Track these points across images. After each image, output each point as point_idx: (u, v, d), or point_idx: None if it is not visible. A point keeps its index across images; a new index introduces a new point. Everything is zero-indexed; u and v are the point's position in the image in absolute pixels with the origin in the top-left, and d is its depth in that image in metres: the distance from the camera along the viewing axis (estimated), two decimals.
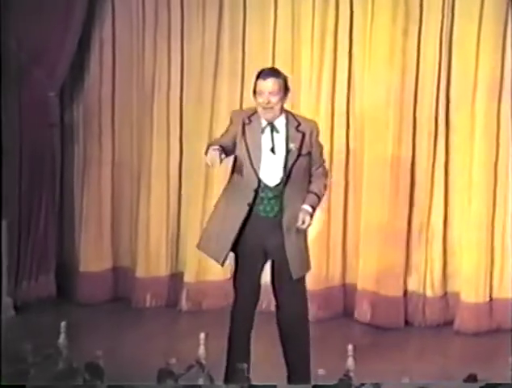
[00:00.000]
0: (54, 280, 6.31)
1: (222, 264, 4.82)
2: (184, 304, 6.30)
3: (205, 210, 6.33)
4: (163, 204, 6.38)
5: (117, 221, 6.49)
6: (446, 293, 6.06)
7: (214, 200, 6.31)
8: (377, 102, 6.01)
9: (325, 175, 4.81)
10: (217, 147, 4.59)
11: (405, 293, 6.04)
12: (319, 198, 4.72)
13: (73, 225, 6.52)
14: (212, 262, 6.30)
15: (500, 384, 4.20)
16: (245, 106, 6.27)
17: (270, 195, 4.65)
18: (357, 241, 6.10)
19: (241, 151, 4.71)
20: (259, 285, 4.81)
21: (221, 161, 4.57)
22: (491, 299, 5.98)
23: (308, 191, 4.71)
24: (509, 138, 5.93)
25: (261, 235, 4.68)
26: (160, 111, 6.34)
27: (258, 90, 4.63)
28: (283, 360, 4.99)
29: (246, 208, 4.64)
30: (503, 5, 5.83)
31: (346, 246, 6.16)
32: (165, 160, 6.37)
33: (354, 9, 6.04)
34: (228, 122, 4.89)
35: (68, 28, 6.11)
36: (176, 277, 6.39)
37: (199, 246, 4.90)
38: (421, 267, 6.05)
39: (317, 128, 4.76)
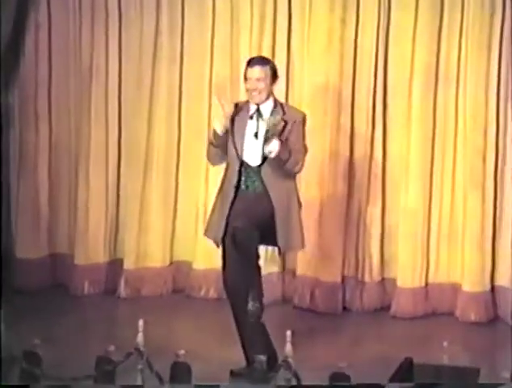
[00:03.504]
0: None
1: (218, 246, 4.94)
2: (123, 291, 6.27)
3: (144, 195, 6.31)
4: (102, 190, 6.34)
5: (55, 206, 6.43)
6: (383, 279, 6.14)
7: (153, 186, 6.33)
8: (315, 90, 6.04)
9: (300, 161, 4.89)
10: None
11: (343, 278, 6.10)
12: (289, 157, 4.81)
13: (9, 211, 6.43)
14: (151, 248, 6.35)
15: (436, 384, 4.29)
16: (183, 89, 6.27)
17: (254, 174, 4.88)
18: None
19: (228, 138, 4.93)
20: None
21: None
22: (427, 284, 6.08)
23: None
24: (445, 127, 6.02)
25: (249, 207, 4.86)
26: (98, 95, 6.29)
27: (246, 76, 4.93)
28: (226, 351, 5.01)
29: (233, 190, 4.89)
30: None
31: None
32: (104, 145, 6.32)
33: None
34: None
35: (0, 11, 6.00)
36: (115, 264, 6.35)
37: (204, 234, 5.05)
38: (359, 253, 6.12)
39: (302, 118, 4.94)
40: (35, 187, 6.38)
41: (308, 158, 6.03)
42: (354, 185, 6.09)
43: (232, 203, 4.90)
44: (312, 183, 6.09)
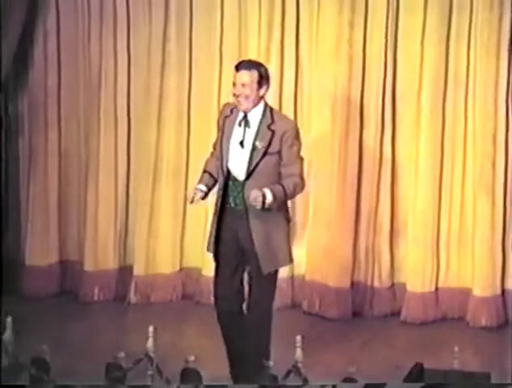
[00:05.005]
0: None
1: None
2: (132, 297, 6.27)
3: (154, 202, 6.32)
4: (111, 197, 6.34)
5: (64, 213, 6.44)
6: (393, 284, 6.12)
7: (162, 192, 6.34)
8: (324, 94, 6.04)
9: (299, 185, 4.69)
10: (204, 188, 4.80)
11: (353, 284, 6.09)
12: (284, 191, 4.63)
13: (18, 219, 6.45)
14: (160, 254, 6.36)
15: (445, 384, 4.27)
16: (192, 96, 6.28)
17: (239, 187, 4.70)
18: (304, 233, 6.13)
19: (217, 142, 4.82)
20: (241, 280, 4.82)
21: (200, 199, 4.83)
22: (437, 289, 6.06)
23: (277, 184, 4.67)
24: (454, 131, 6.01)
25: (232, 226, 4.74)
26: (107, 102, 6.29)
27: (233, 81, 4.75)
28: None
29: (220, 200, 4.75)
30: None
31: (293, 237, 6.17)
32: (113, 152, 6.33)
33: (301, 0, 6.05)
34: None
35: (8, 19, 6.02)
36: (124, 270, 6.36)
37: (206, 249, 4.94)
38: (369, 258, 6.10)
39: (293, 129, 4.71)
40: (45, 194, 6.39)
41: (317, 163, 6.08)
42: (364, 190, 6.07)
43: (221, 218, 4.73)
44: (322, 188, 6.08)
